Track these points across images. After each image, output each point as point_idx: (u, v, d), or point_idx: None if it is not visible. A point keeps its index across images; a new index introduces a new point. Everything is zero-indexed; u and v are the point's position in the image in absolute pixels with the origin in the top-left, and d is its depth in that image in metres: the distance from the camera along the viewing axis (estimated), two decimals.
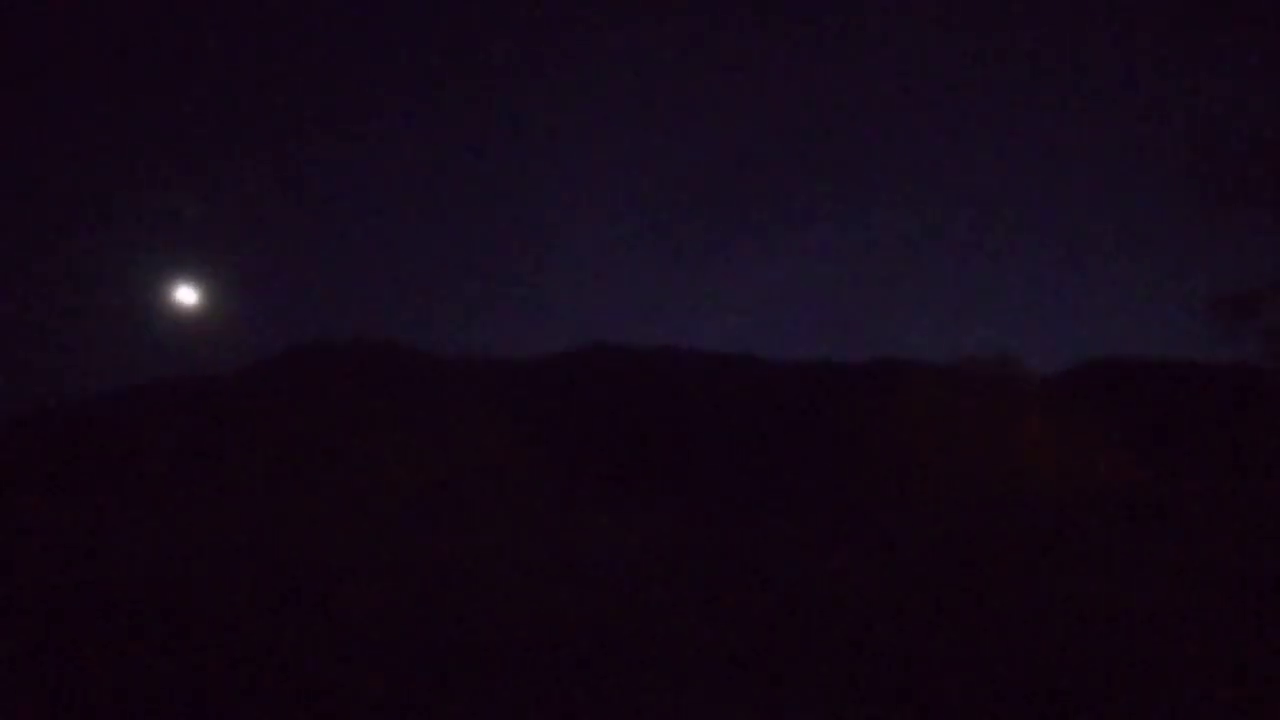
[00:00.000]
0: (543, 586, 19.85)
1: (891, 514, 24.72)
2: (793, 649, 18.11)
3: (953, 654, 19.68)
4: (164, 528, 28.77)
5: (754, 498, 27.61)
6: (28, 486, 34.21)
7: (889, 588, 22.20)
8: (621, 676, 16.48)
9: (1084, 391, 37.08)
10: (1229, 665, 11.87)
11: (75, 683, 17.96)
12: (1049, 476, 27.11)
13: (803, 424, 33.92)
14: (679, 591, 19.24)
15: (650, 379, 42.69)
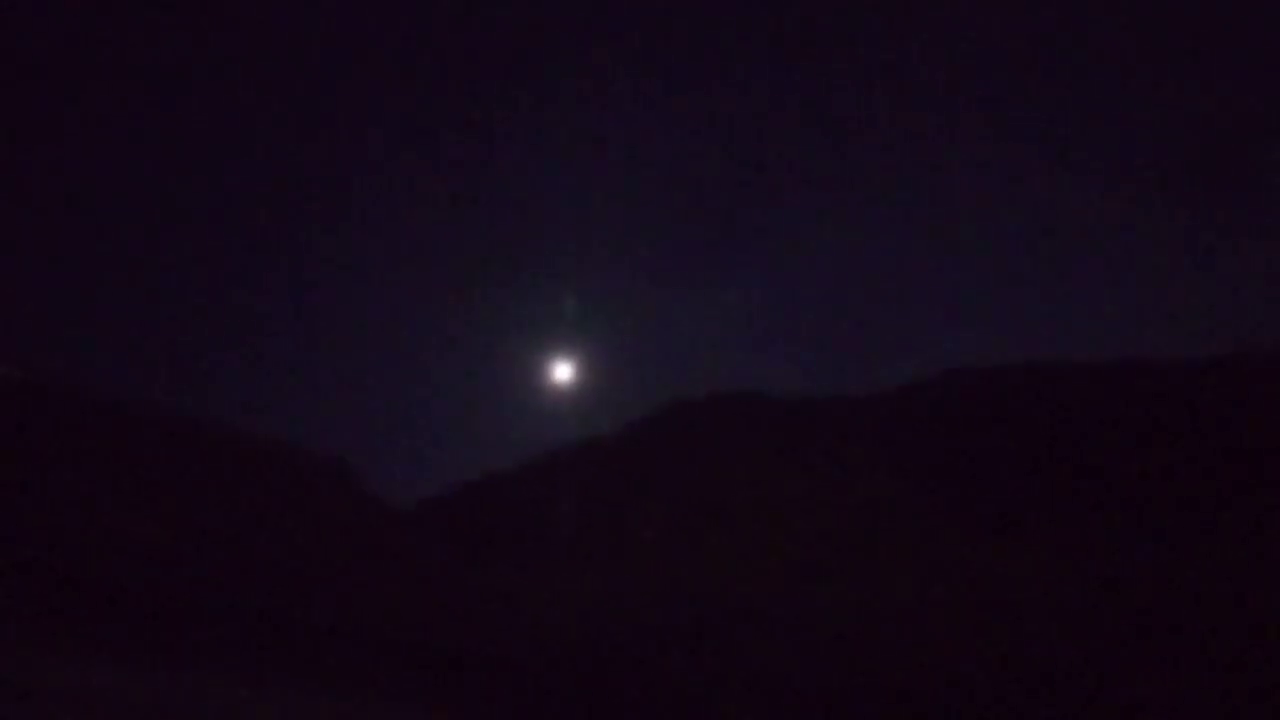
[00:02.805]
0: (972, 634, 19.35)
1: None
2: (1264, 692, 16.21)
3: None
4: (579, 589, 31.73)
5: (1169, 519, 25.28)
6: (457, 558, 39.18)
7: None
8: None
9: None
10: None
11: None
12: None
13: (1213, 429, 30.58)
14: (1118, 633, 17.84)
15: (1021, 399, 40.54)
